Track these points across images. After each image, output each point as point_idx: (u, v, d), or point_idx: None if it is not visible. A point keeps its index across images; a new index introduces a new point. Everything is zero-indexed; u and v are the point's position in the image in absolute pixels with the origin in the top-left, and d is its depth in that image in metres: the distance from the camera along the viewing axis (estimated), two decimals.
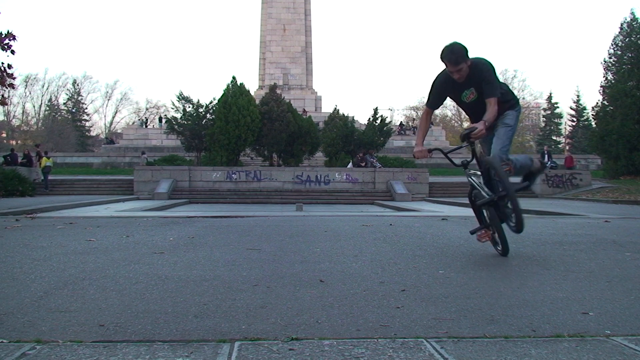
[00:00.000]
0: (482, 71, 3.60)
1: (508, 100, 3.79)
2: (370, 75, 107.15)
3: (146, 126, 48.19)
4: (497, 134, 3.69)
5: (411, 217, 8.52)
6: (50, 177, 21.99)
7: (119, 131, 60.84)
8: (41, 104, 63.29)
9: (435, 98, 3.85)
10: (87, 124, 63.81)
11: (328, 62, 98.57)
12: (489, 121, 3.54)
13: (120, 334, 1.85)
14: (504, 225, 3.60)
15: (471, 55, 3.57)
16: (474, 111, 3.79)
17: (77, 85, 64.01)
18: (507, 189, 3.39)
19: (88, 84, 68.04)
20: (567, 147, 53.74)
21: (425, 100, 4.00)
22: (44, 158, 22.59)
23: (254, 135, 25.84)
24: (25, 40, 77.71)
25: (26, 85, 60.83)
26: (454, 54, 3.48)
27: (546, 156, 26.40)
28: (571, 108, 57.94)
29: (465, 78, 3.58)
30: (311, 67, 49.18)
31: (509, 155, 3.69)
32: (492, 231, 3.71)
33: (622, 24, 29.51)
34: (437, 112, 66.54)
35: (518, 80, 65.63)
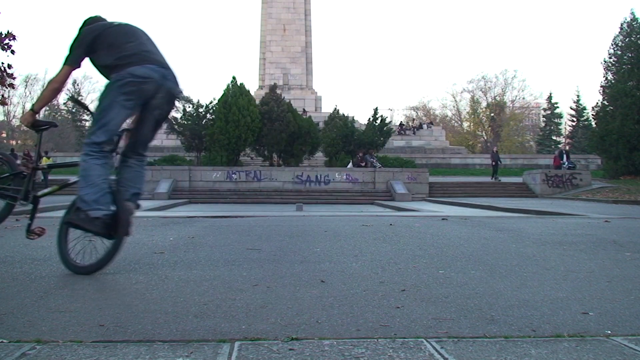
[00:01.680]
0: None
1: (115, 65, 2.85)
2: (371, 76, 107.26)
3: None
4: None
5: (411, 217, 8.51)
6: (50, 177, 22.00)
7: None
8: None
9: None
10: (87, 124, 63.83)
11: (328, 62, 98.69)
12: (36, 108, 3.11)
13: (120, 334, 1.85)
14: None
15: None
16: None
17: (77, 85, 63.93)
18: None
19: (88, 84, 67.86)
20: (567, 147, 53.71)
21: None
22: (44, 158, 22.65)
23: (254, 135, 25.88)
24: (25, 40, 77.74)
25: (26, 85, 60.86)
26: None
27: (564, 156, 26.21)
28: (571, 108, 57.90)
29: None
30: (311, 67, 49.15)
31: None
32: None
33: (622, 24, 29.44)
34: (437, 112, 66.84)
35: (518, 80, 65.72)
